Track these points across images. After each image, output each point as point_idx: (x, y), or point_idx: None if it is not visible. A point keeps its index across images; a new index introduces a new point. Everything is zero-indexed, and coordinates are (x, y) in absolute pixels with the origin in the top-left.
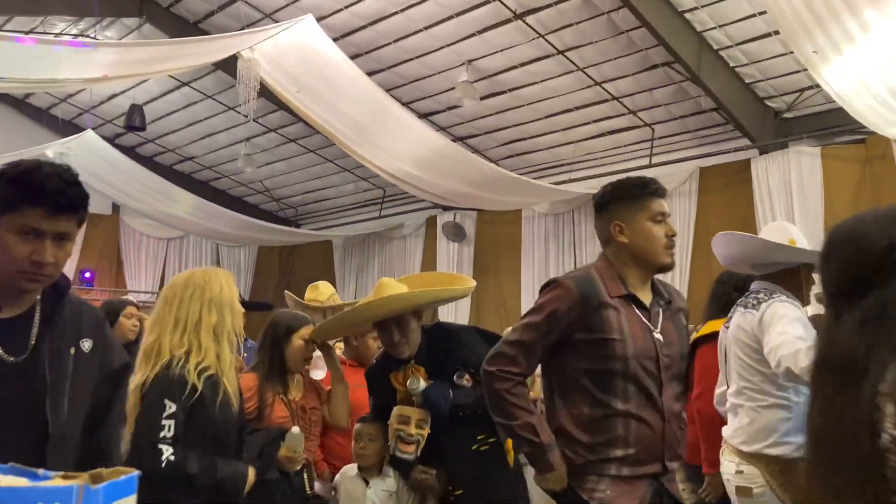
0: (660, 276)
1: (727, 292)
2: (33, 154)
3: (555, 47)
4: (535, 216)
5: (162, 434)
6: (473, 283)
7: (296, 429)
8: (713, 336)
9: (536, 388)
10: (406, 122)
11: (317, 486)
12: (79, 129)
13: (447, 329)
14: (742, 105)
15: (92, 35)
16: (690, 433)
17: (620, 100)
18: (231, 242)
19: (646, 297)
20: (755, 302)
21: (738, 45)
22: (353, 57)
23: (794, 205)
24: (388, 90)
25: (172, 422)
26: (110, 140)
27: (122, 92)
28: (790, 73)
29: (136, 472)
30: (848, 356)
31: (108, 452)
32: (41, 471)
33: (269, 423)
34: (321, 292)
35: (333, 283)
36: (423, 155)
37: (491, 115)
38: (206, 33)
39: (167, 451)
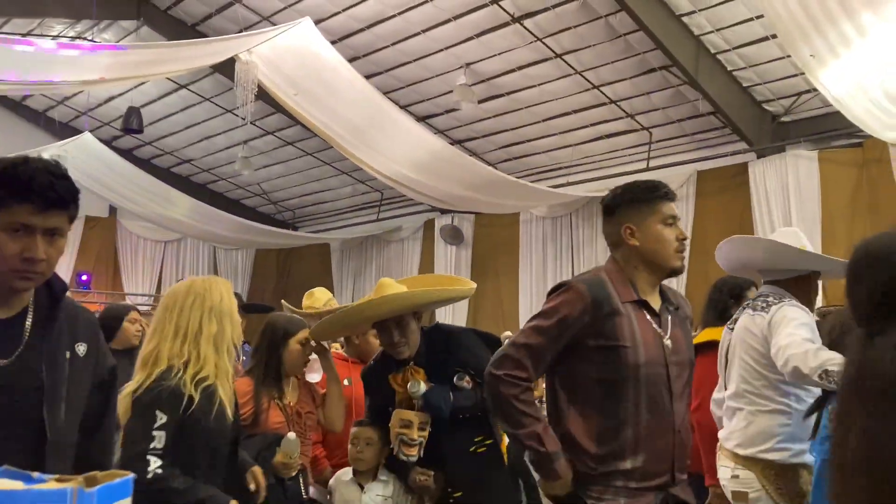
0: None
1: (723, 299)
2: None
3: (553, 51)
4: (533, 219)
5: (151, 445)
6: (473, 285)
7: (291, 434)
8: (710, 345)
9: (540, 389)
10: (404, 125)
11: (312, 490)
12: (76, 131)
13: (446, 330)
14: (739, 109)
15: (89, 37)
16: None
17: (618, 103)
18: (228, 245)
19: (655, 303)
20: (764, 305)
21: (735, 48)
22: (351, 60)
23: (791, 208)
24: (385, 93)
25: (163, 433)
26: (107, 142)
27: (120, 94)
28: (787, 76)
29: (131, 476)
30: (890, 382)
31: (102, 461)
32: (36, 474)
33: (265, 428)
34: (317, 298)
35: (331, 287)
36: (420, 158)
37: (489, 118)
38: (204, 36)
39: (154, 463)
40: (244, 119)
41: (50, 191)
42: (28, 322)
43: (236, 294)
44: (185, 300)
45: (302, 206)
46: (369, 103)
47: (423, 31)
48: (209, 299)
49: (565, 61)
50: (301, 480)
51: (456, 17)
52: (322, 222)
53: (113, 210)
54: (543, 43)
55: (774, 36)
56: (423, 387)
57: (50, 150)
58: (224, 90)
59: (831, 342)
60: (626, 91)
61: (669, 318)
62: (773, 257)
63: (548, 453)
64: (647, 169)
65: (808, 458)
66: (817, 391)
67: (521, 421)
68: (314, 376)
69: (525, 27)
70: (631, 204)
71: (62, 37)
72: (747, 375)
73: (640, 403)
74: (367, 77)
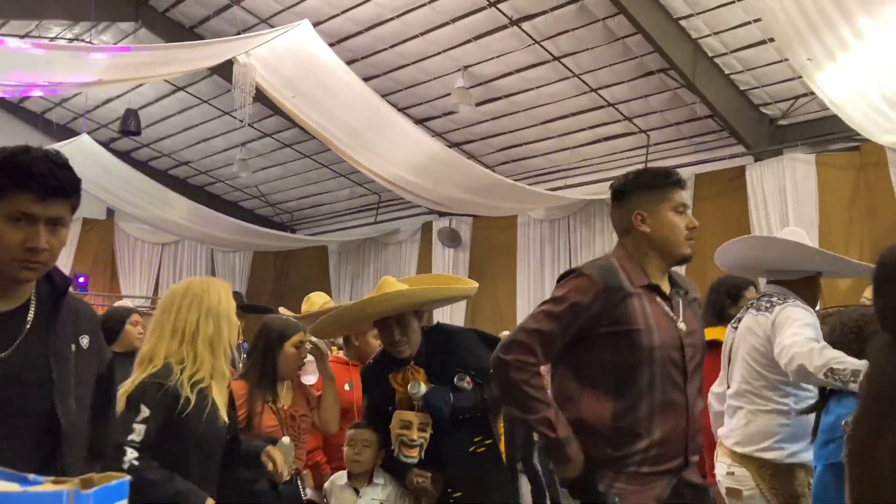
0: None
1: (720, 299)
2: None
3: (550, 54)
4: (531, 222)
5: (130, 437)
6: (475, 285)
7: (286, 439)
8: (711, 345)
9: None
10: (402, 127)
11: (309, 492)
12: (74, 133)
13: (446, 330)
14: (737, 112)
15: (87, 39)
16: None
17: (616, 106)
18: (226, 247)
19: (665, 288)
20: (768, 305)
21: (733, 52)
22: (350, 62)
23: (788, 211)
24: (383, 96)
25: (143, 427)
26: (105, 144)
27: (118, 96)
28: (785, 80)
29: (127, 478)
30: None
31: (106, 453)
32: (31, 476)
33: (259, 432)
34: (314, 302)
35: (328, 289)
36: (418, 160)
37: (487, 120)
38: (202, 38)
39: (131, 454)
40: (242, 121)
41: (51, 179)
42: (30, 315)
43: (237, 293)
44: (182, 301)
45: (300, 209)
46: (367, 106)
47: (422, 33)
48: (206, 300)
49: (563, 64)
50: (299, 482)
51: (454, 20)
52: (320, 225)
53: (110, 212)
54: (541, 46)
55: (772, 39)
56: (423, 387)
57: None
58: (222, 92)
59: (832, 343)
60: (624, 94)
61: (680, 301)
62: (789, 257)
63: (559, 438)
64: None
65: (805, 459)
66: (817, 392)
67: (531, 406)
68: (310, 378)
69: (523, 30)
70: (643, 190)
71: (60, 38)
72: (748, 375)
73: (654, 385)
74: (365, 79)
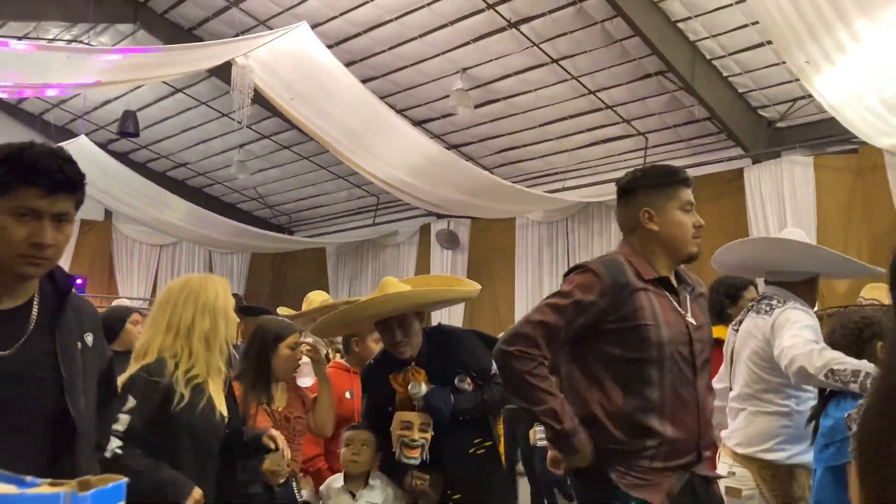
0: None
1: (720, 300)
2: None
3: (549, 56)
4: (529, 224)
5: (114, 427)
6: (477, 286)
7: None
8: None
9: None
10: (400, 129)
11: (305, 493)
12: (72, 134)
13: (446, 331)
14: (735, 114)
15: (86, 41)
16: None
17: (614, 108)
18: (224, 249)
19: (673, 282)
20: (768, 308)
21: (731, 54)
22: (348, 64)
23: (786, 214)
24: (382, 98)
25: (128, 417)
26: (103, 146)
27: (116, 98)
28: (783, 82)
29: (124, 480)
30: None
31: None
32: (29, 477)
33: None
34: (312, 301)
35: (326, 291)
36: (417, 162)
37: (485, 123)
38: (201, 40)
39: (115, 443)
40: (240, 123)
41: (57, 173)
42: (34, 313)
43: (236, 295)
44: (178, 296)
45: (298, 211)
46: (366, 107)
47: (420, 35)
48: (203, 296)
49: (561, 66)
50: (294, 484)
51: (453, 22)
52: (318, 226)
53: (108, 214)
54: (539, 48)
55: (770, 42)
56: (423, 388)
57: None
58: (220, 94)
59: (832, 345)
60: (622, 96)
61: (687, 296)
62: (793, 257)
63: (565, 430)
64: None
65: (806, 460)
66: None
67: (536, 397)
68: (306, 380)
69: (521, 32)
70: (650, 188)
71: (59, 40)
72: (749, 379)
73: (664, 380)
74: (364, 81)
